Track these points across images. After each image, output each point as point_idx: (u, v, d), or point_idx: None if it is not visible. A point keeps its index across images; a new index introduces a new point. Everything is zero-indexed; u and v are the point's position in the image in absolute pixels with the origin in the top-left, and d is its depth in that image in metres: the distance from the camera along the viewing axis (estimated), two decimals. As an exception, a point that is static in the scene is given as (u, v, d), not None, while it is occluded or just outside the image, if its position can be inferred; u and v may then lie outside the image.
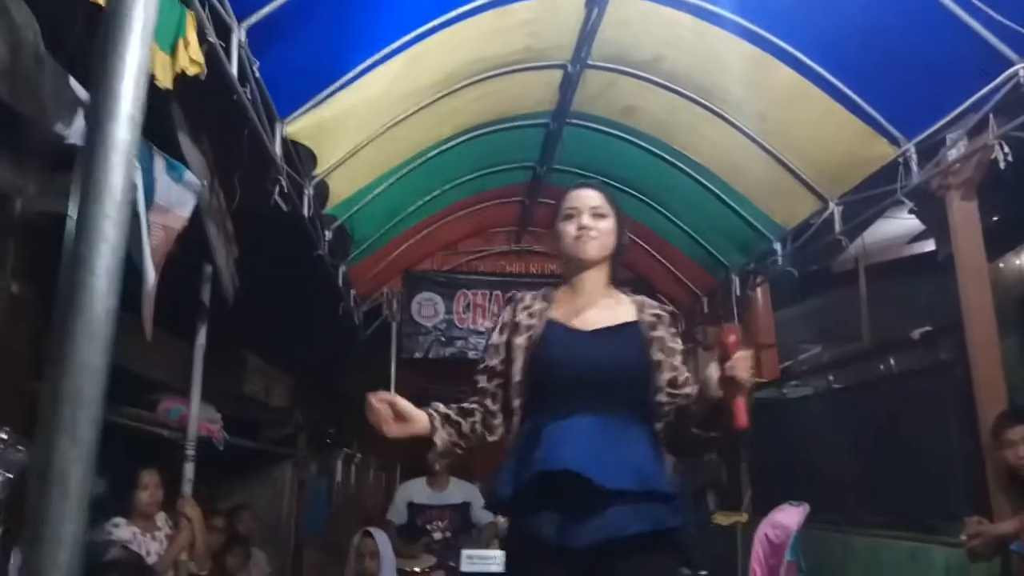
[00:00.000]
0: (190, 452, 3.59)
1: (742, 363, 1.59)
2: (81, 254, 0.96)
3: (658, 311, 1.90)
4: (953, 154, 3.21)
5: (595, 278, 1.89)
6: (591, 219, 1.86)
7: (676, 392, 1.81)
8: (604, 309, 1.88)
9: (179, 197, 3.01)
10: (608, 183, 4.77)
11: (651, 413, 1.81)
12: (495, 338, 1.93)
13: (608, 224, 1.88)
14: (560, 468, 1.62)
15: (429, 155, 4.60)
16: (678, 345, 1.88)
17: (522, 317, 1.90)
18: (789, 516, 3.55)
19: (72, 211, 0.99)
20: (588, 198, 1.90)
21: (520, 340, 1.86)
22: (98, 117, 1.03)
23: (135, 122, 1.06)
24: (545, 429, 1.71)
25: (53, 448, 0.90)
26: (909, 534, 3.53)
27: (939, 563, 3.19)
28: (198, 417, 3.69)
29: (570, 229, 1.87)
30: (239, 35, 2.58)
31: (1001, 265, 4.58)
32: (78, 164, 1.03)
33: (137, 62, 1.08)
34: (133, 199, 1.05)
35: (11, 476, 2.61)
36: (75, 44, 2.44)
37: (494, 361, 1.90)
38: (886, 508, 3.88)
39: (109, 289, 0.97)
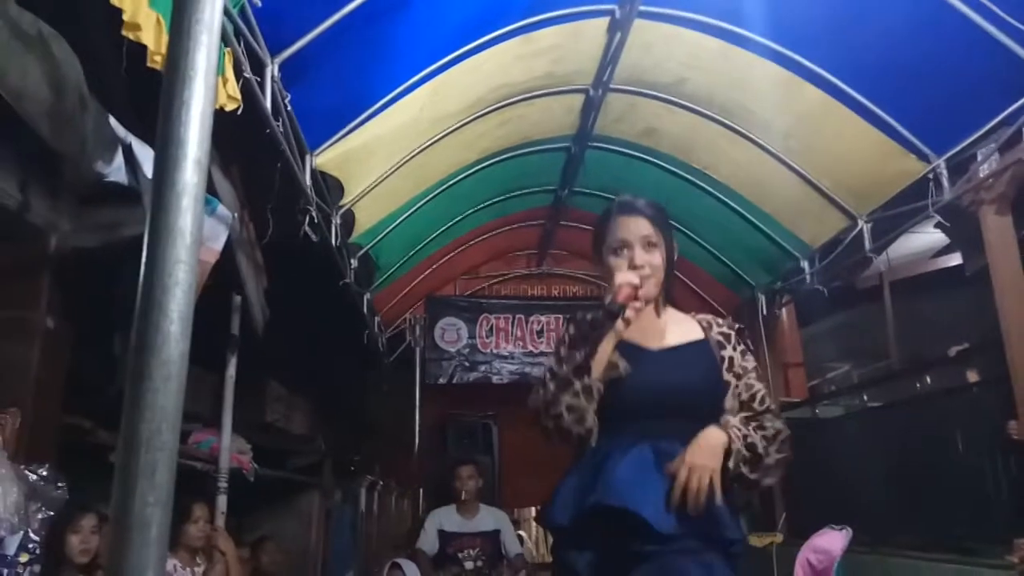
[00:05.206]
0: (222, 484, 3.58)
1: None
2: (155, 299, 0.96)
3: (725, 329, 1.80)
4: (985, 169, 3.19)
5: (648, 308, 1.76)
6: (644, 252, 1.72)
7: (756, 411, 1.69)
8: (670, 326, 1.78)
9: (212, 231, 3.03)
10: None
11: None
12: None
13: (660, 256, 1.74)
14: (617, 505, 1.53)
15: (452, 181, 4.62)
16: (750, 363, 1.76)
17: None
18: (832, 541, 3.49)
19: (144, 256, 0.98)
20: (639, 227, 1.74)
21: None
22: (165, 163, 1.04)
23: (202, 165, 1.06)
24: (608, 455, 1.60)
25: (133, 494, 0.89)
26: (952, 556, 3.46)
27: (987, 586, 3.12)
28: (229, 448, 3.69)
29: (622, 268, 1.72)
30: (272, 70, 2.61)
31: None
32: (146, 206, 1.04)
33: (202, 106, 1.09)
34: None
35: (51, 513, 2.62)
36: (114, 82, 2.48)
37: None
38: (926, 530, 3.80)
39: (183, 333, 0.96)
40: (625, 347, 1.67)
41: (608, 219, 1.80)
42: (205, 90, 1.10)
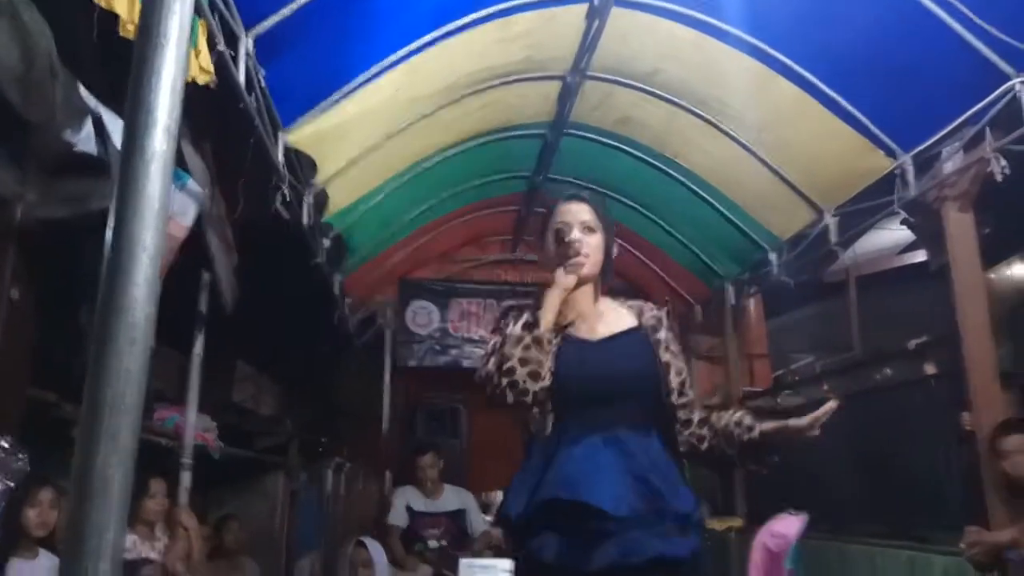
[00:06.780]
0: (186, 461, 3.56)
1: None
2: (122, 263, 0.96)
3: (656, 313, 1.93)
4: (949, 167, 3.26)
5: (585, 291, 1.86)
6: (581, 234, 1.83)
7: (685, 395, 1.83)
8: (604, 317, 1.87)
9: (182, 205, 3.01)
10: (603, 192, 4.82)
11: (664, 419, 1.79)
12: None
13: (597, 239, 1.85)
14: (572, 498, 1.61)
15: (427, 164, 4.61)
16: (677, 346, 1.89)
17: None
18: (788, 525, 3.57)
19: (110, 221, 0.99)
20: (578, 212, 1.86)
21: None
22: (134, 129, 1.04)
23: (171, 133, 1.07)
24: (558, 447, 1.69)
25: (95, 455, 0.90)
26: (905, 543, 3.56)
27: (938, 571, 3.22)
28: (194, 425, 3.67)
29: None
30: (247, 44, 2.58)
31: (992, 276, 4.63)
32: (114, 175, 1.04)
33: (173, 74, 1.09)
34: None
35: (12, 484, 2.60)
36: (84, 51, 2.44)
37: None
38: (882, 517, 3.91)
39: (148, 297, 0.97)
40: (566, 339, 1.77)
41: (552, 209, 1.92)
42: (177, 57, 1.10)
